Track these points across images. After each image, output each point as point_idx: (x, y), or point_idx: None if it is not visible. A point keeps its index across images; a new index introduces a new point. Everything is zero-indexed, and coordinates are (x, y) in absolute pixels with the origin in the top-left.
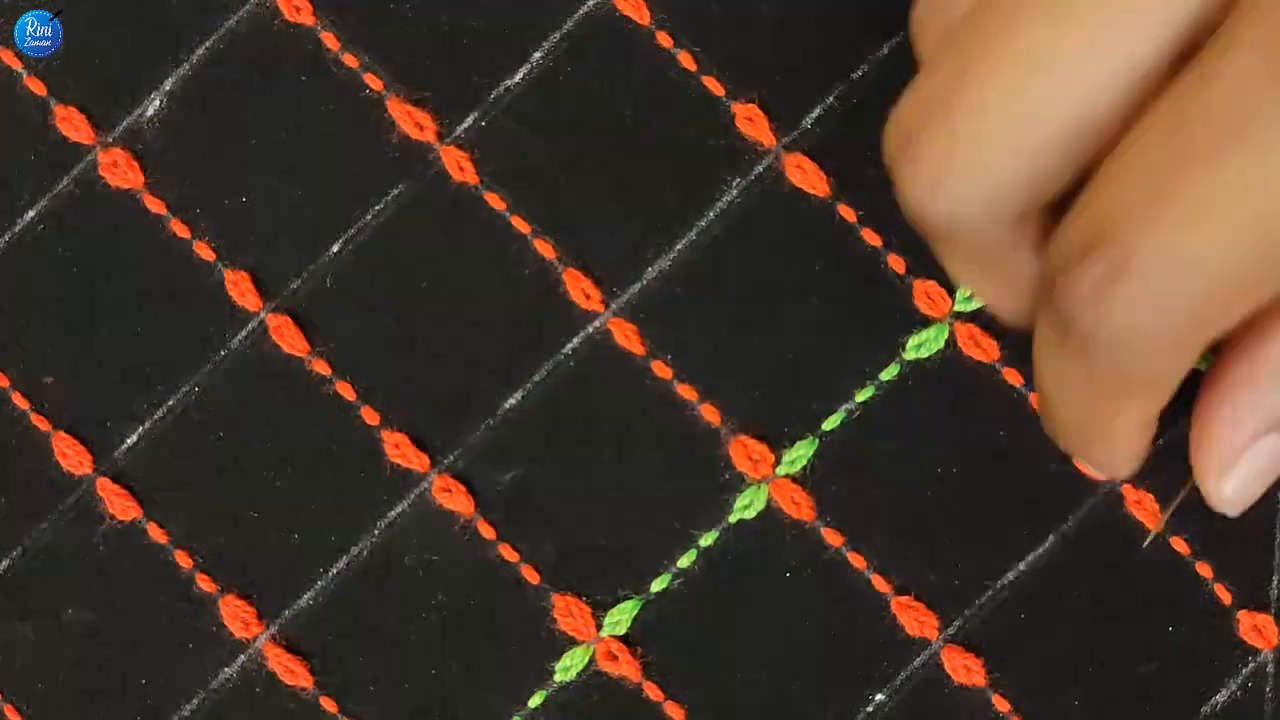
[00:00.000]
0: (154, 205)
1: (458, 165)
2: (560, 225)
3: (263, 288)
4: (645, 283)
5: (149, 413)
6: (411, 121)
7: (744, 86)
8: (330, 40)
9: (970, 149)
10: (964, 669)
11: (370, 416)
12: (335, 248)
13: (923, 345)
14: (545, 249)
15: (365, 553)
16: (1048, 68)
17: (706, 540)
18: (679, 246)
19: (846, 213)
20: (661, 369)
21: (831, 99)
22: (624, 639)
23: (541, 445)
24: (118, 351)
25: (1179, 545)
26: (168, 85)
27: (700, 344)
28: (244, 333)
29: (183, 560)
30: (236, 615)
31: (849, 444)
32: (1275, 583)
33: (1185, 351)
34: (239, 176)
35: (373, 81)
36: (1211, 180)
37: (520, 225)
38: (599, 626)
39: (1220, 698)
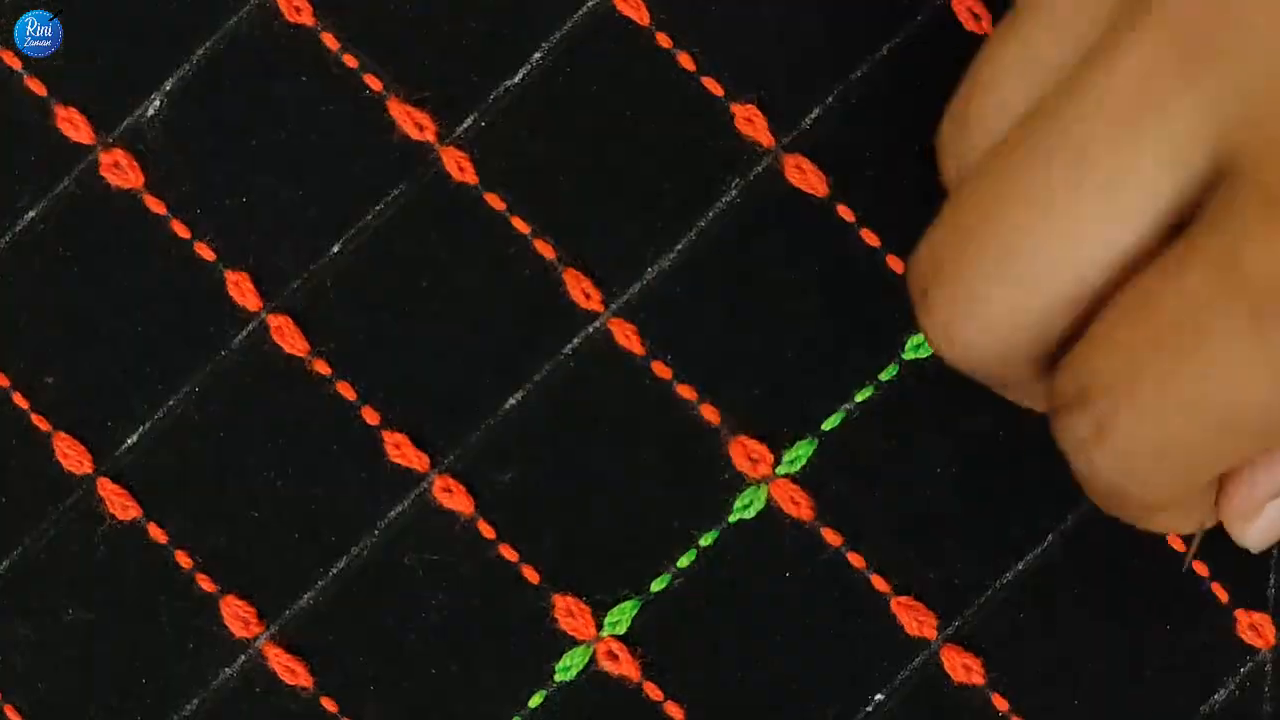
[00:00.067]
0: (155, 205)
1: (458, 165)
2: (560, 225)
3: (263, 288)
4: (645, 283)
5: (149, 413)
6: (411, 122)
7: (743, 87)
8: (330, 41)
9: (976, 310)
10: (963, 668)
11: (370, 416)
12: (336, 248)
13: (922, 345)
14: (545, 249)
15: (365, 552)
16: (1037, 250)
17: (706, 540)
18: (679, 247)
19: (845, 213)
20: (661, 369)
21: (831, 100)
22: (624, 639)
23: (541, 445)
24: (118, 351)
25: (1176, 544)
26: (168, 86)
27: (700, 344)
28: (244, 333)
29: (183, 560)
30: (237, 615)
31: (849, 444)
32: (1273, 582)
33: (1179, 493)
34: (240, 177)
35: (373, 82)
36: (1179, 370)
37: (520, 225)
38: (599, 626)
39: (1219, 697)
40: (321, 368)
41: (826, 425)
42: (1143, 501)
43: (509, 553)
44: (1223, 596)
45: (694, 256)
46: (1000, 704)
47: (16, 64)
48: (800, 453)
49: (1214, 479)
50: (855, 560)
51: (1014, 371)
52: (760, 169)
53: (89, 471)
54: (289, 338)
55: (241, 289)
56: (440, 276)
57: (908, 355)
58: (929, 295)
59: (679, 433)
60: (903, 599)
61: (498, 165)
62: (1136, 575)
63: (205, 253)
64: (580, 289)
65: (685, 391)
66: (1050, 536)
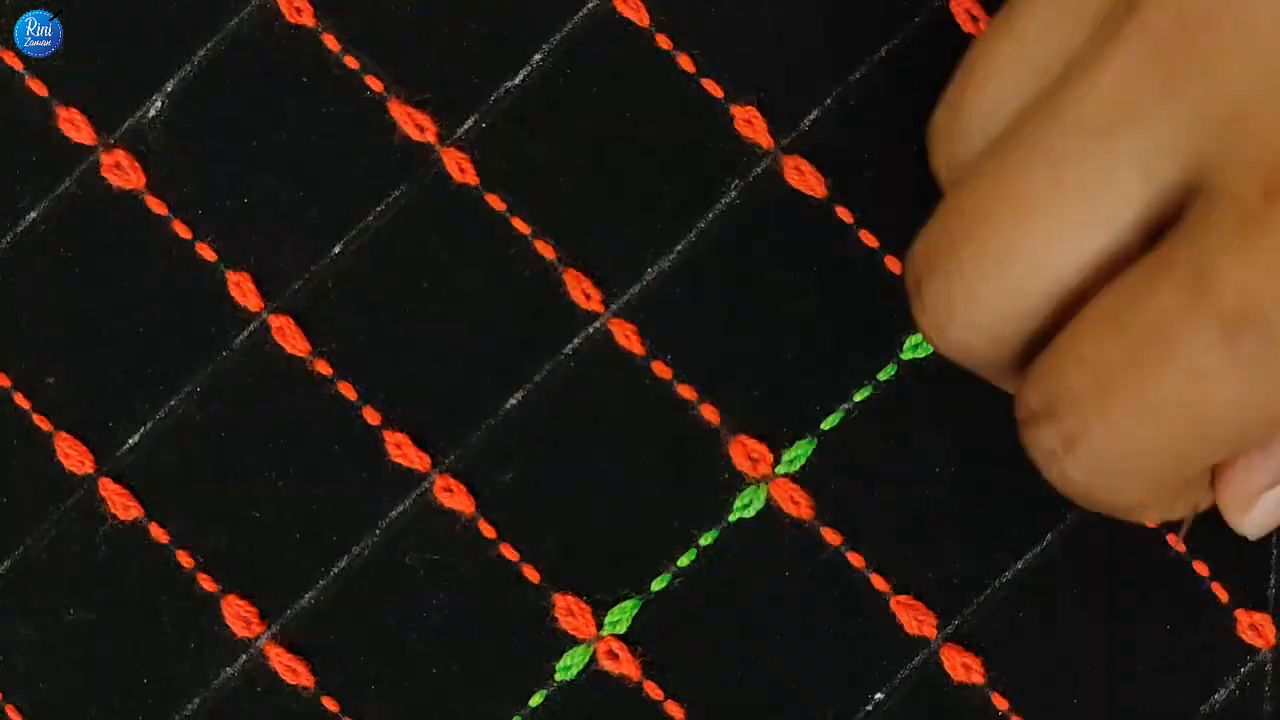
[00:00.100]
0: (156, 206)
1: (458, 167)
2: (560, 226)
3: (264, 288)
4: (645, 283)
5: (151, 413)
6: (412, 123)
7: (743, 89)
8: (331, 42)
9: (965, 308)
10: (963, 668)
11: (371, 416)
12: (337, 249)
13: (920, 345)
14: (545, 250)
15: (366, 552)
16: (1018, 251)
17: (706, 539)
18: (678, 247)
19: (844, 214)
20: (661, 369)
21: (829, 102)
22: (624, 638)
23: (542, 445)
24: (120, 352)
25: (1176, 544)
26: (169, 87)
27: (700, 344)
28: (246, 333)
29: (184, 560)
30: (238, 615)
31: (848, 443)
32: (1274, 582)
33: (1156, 496)
34: (241, 177)
35: (373, 83)
36: (1149, 384)
37: (520, 226)
38: (599, 625)
39: (1219, 697)
40: (323, 368)
41: (826, 425)
42: (1119, 506)
43: (509, 552)
44: (1223, 596)
45: (693, 257)
46: (1000, 703)
47: (18, 64)
48: (800, 452)
49: (1196, 475)
50: (855, 559)
51: (999, 362)
52: (759, 170)
53: (90, 471)
54: (290, 338)
55: (243, 289)
56: (441, 277)
57: (906, 355)
58: (922, 289)
59: (679, 432)
60: (902, 598)
61: (498, 166)
62: (1136, 575)
63: (206, 253)
64: (580, 289)
65: (685, 391)
66: (1049, 536)
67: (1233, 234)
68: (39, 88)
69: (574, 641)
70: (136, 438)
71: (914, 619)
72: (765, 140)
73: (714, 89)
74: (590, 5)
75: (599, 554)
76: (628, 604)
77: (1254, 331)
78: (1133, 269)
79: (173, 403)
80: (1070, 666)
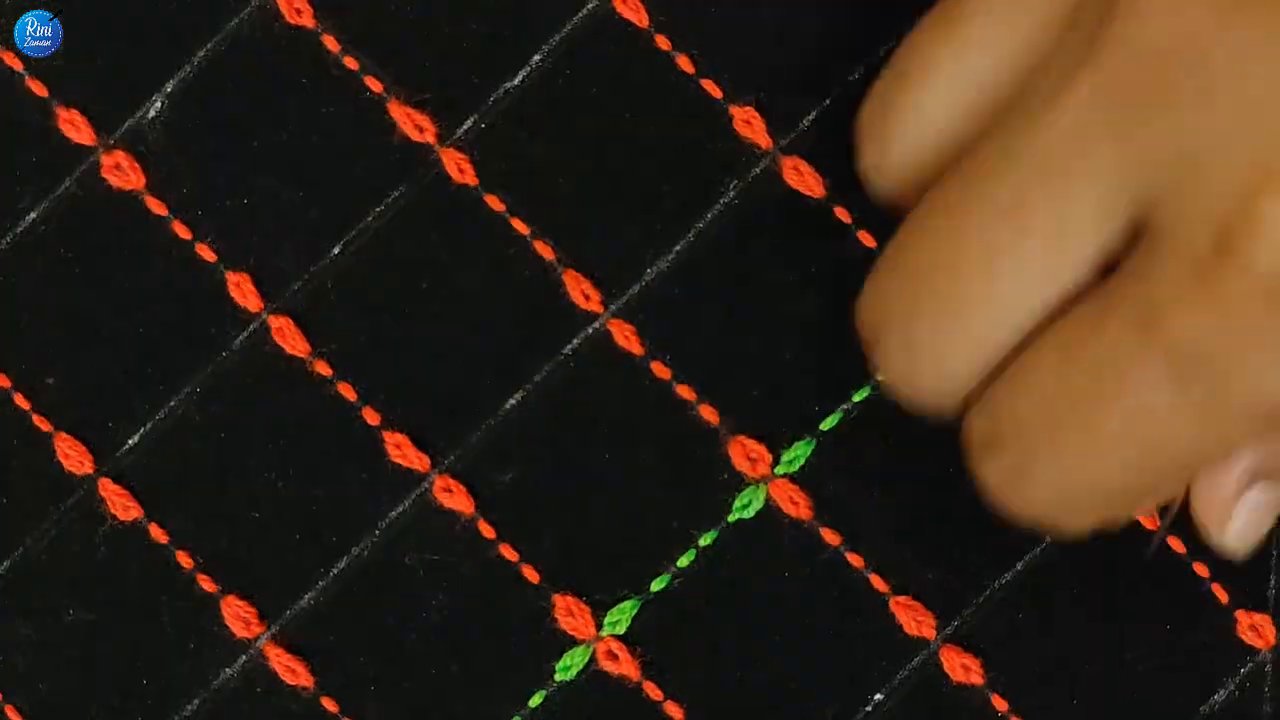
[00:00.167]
0: (156, 207)
1: (458, 167)
2: (560, 227)
3: (264, 289)
4: (644, 284)
5: (150, 413)
6: (412, 123)
7: (742, 89)
8: (331, 42)
9: (931, 362)
10: (962, 668)
11: (371, 417)
12: (336, 249)
13: None
14: (545, 250)
15: (366, 553)
16: (987, 302)
17: (705, 540)
18: (677, 248)
19: (843, 214)
20: (660, 369)
21: (828, 102)
22: (624, 638)
23: (541, 445)
24: (119, 352)
25: (1176, 545)
26: (169, 87)
27: (699, 344)
28: (245, 334)
29: (184, 560)
30: (238, 615)
31: (847, 444)
32: (1273, 583)
33: (1109, 523)
34: (241, 178)
35: (373, 84)
36: (1097, 417)
37: (520, 227)
38: (599, 626)
39: (1219, 697)
40: (322, 369)
41: (825, 425)
42: (1071, 533)
43: (509, 552)
44: (1223, 597)
45: (692, 257)
46: (999, 704)
47: (18, 65)
48: (799, 453)
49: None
50: (854, 560)
51: (958, 407)
52: (758, 170)
53: (90, 472)
54: (290, 339)
55: (242, 290)
56: (440, 277)
57: None
58: (883, 344)
59: (678, 433)
60: (901, 599)
61: (498, 167)
62: (1135, 575)
63: (206, 254)
64: (580, 290)
65: (684, 392)
66: (1047, 536)
67: (1184, 281)
68: (39, 88)
69: (573, 642)
70: (136, 438)
71: (913, 619)
72: (764, 140)
73: (713, 89)
74: (590, 6)
75: (598, 554)
76: (627, 604)
77: (1202, 376)
78: (1083, 304)
79: (172, 403)
80: (1069, 667)
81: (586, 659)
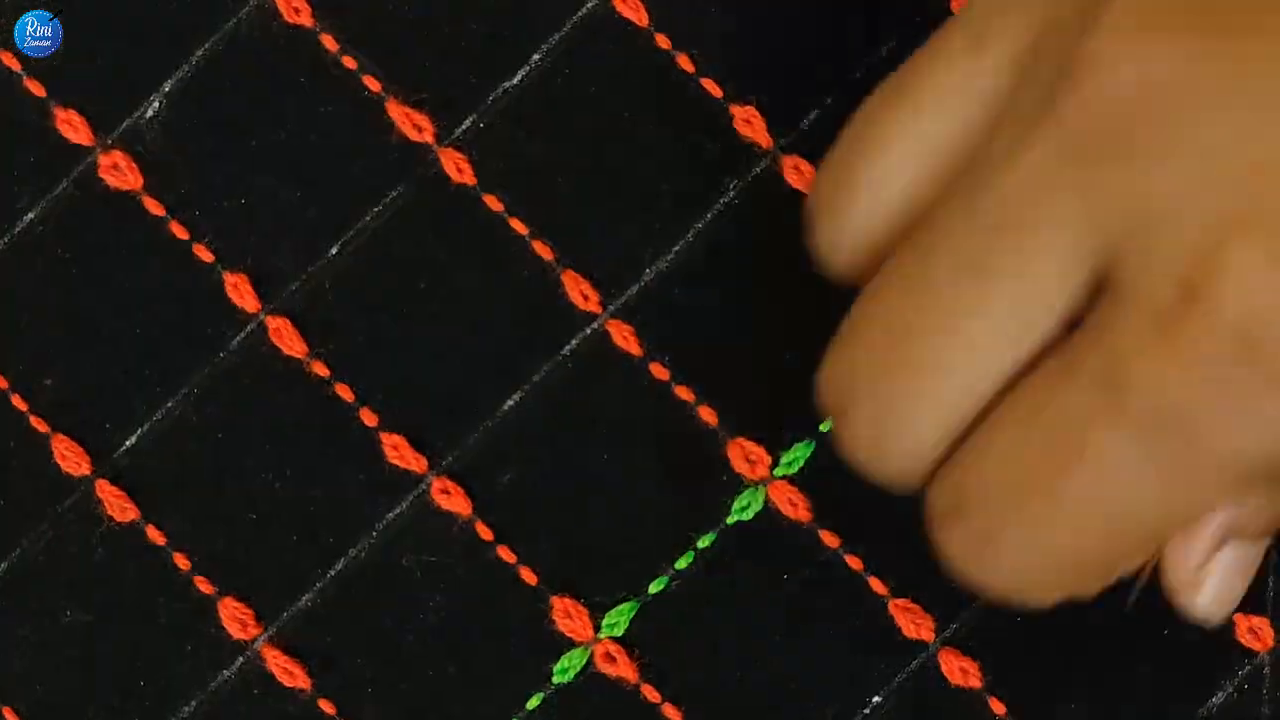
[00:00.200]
0: (153, 207)
1: (456, 167)
2: (558, 226)
3: (262, 289)
4: (643, 284)
5: (148, 414)
6: (410, 123)
7: (742, 88)
8: (329, 42)
9: (899, 433)
10: (960, 671)
11: (369, 418)
12: (334, 249)
13: None
14: (543, 250)
15: (364, 554)
16: (954, 369)
17: (704, 542)
18: (677, 248)
19: None
20: (659, 370)
21: (829, 101)
22: (622, 640)
23: (540, 446)
24: (117, 353)
25: None
26: (167, 87)
27: (698, 345)
28: (243, 334)
29: (181, 562)
30: (235, 617)
31: None
32: (1271, 585)
33: (1079, 593)
34: (238, 178)
35: (371, 83)
36: (1062, 482)
37: (518, 227)
38: (597, 628)
39: (1217, 700)
40: (320, 369)
41: (824, 427)
42: (1038, 605)
43: (507, 554)
44: None
45: (692, 257)
46: (997, 707)
47: (16, 65)
48: (798, 454)
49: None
50: (853, 562)
51: (924, 478)
52: (759, 170)
53: (87, 473)
54: (287, 339)
55: (240, 290)
56: (439, 277)
57: None
58: (849, 415)
59: (677, 434)
60: (900, 601)
61: (496, 166)
62: (1132, 578)
63: (204, 254)
64: (578, 290)
65: (683, 393)
66: None
67: (1147, 334)
68: (37, 88)
69: (571, 644)
70: (134, 439)
71: (912, 622)
72: (764, 140)
73: (713, 89)
74: (589, 5)
75: (597, 556)
76: (625, 606)
77: (1171, 434)
78: (1045, 365)
79: (170, 404)
80: (1067, 670)
81: (584, 661)
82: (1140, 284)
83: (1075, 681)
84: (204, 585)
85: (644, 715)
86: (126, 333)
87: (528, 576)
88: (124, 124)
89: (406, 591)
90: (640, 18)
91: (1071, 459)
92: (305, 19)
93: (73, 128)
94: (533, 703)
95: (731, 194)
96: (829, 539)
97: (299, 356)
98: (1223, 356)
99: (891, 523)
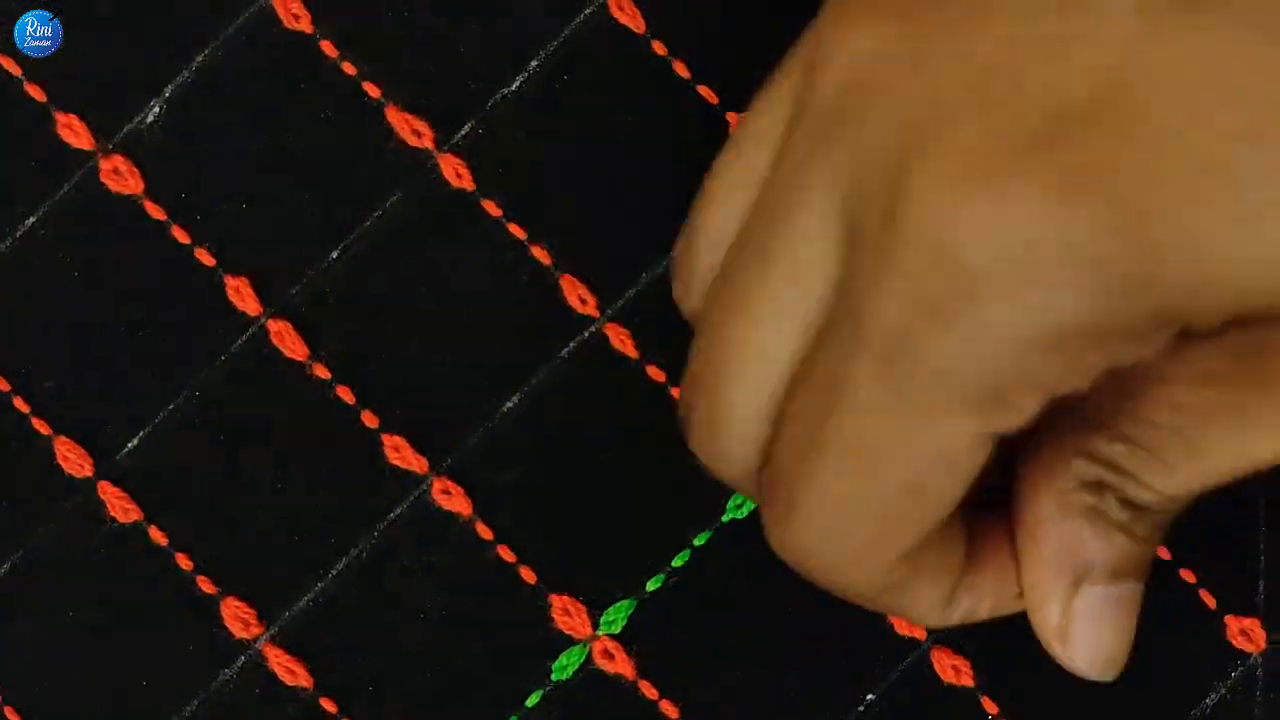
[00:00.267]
0: (154, 211)
1: (455, 172)
2: (556, 231)
3: (263, 293)
4: (640, 288)
5: (150, 416)
6: (409, 129)
7: (739, 94)
8: (329, 48)
9: (725, 420)
10: (952, 670)
11: (370, 419)
12: (334, 254)
13: None
14: (542, 255)
15: (365, 554)
16: (746, 344)
17: (700, 540)
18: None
19: None
20: (655, 372)
21: None
22: (619, 638)
23: (538, 448)
24: (119, 356)
25: (1162, 553)
26: (168, 92)
27: None
28: (244, 337)
29: (183, 562)
30: (237, 616)
31: None
32: (1261, 587)
33: (885, 562)
34: (239, 183)
35: (371, 89)
36: (829, 433)
37: (517, 231)
38: (595, 625)
39: (1210, 701)
40: (321, 372)
41: None
42: (861, 585)
43: (506, 553)
44: (1210, 603)
45: None
46: (990, 707)
47: (16, 70)
48: None
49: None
50: None
51: (755, 469)
52: None
53: (90, 475)
54: (289, 342)
55: (241, 294)
56: (438, 282)
57: None
58: (691, 419)
59: (674, 434)
60: None
61: (495, 172)
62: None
63: (205, 258)
64: (576, 294)
65: (679, 394)
66: None
67: (869, 266)
68: (38, 93)
69: (570, 641)
70: (136, 441)
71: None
72: None
73: (709, 95)
74: (587, 11)
75: (595, 554)
76: (623, 604)
77: (901, 359)
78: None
79: (172, 406)
80: (1060, 671)
81: (583, 658)
82: (861, 224)
83: (1068, 682)
84: (206, 585)
85: (641, 711)
86: (128, 336)
87: (527, 575)
88: (125, 129)
89: (407, 591)
90: (637, 23)
91: (832, 405)
92: (305, 25)
93: (74, 132)
94: (532, 700)
95: None
96: None
97: (300, 359)
98: (922, 272)
99: None
